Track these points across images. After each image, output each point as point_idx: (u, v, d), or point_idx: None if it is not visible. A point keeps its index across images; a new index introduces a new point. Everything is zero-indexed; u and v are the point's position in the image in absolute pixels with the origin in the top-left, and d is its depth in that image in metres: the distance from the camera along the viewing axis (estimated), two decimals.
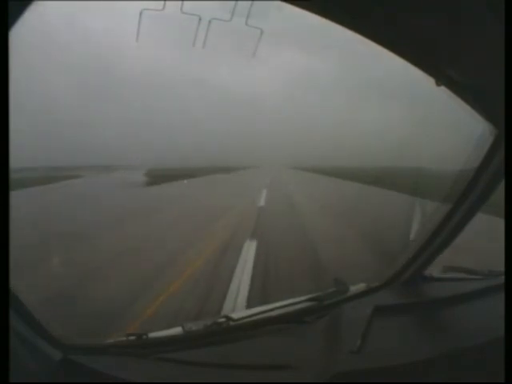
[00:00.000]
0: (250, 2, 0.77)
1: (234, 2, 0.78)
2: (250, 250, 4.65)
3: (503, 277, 1.04)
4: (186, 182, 20.11)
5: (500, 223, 0.79)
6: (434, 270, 1.39)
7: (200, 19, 0.86)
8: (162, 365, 0.88)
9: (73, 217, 7.35)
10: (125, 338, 0.95)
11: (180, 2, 0.78)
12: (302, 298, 1.14)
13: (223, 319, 1.01)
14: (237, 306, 2.66)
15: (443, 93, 0.89)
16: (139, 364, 0.87)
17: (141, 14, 0.88)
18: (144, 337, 0.95)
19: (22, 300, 0.78)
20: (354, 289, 1.28)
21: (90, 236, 5.50)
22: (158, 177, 20.93)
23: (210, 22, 0.87)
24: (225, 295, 2.94)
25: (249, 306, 1.04)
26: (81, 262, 4.00)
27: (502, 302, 0.71)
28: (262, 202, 10.12)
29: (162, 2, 0.78)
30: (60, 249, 4.50)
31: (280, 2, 0.66)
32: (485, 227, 3.21)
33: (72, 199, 11.23)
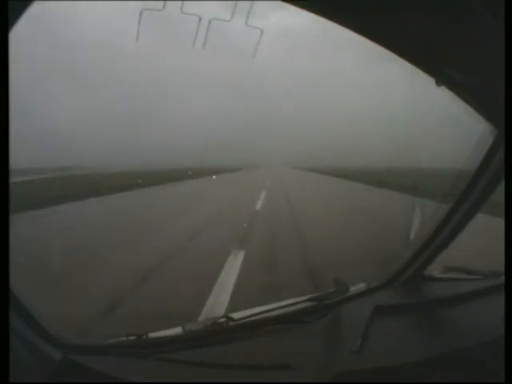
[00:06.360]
0: (250, 2, 0.77)
1: (234, 2, 0.78)
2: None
3: (503, 277, 1.04)
4: None
5: (500, 223, 0.79)
6: (434, 270, 1.39)
7: (200, 19, 0.86)
8: (162, 365, 0.88)
9: None
10: (125, 338, 0.95)
11: (180, 2, 0.78)
12: (302, 298, 1.14)
13: (223, 319, 1.01)
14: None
15: (443, 93, 0.89)
16: (139, 364, 0.87)
17: (141, 14, 0.88)
18: (144, 337, 0.95)
19: (22, 300, 0.79)
20: (354, 289, 1.28)
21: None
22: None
23: (209, 21, 0.87)
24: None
25: (249, 306, 1.04)
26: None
27: (501, 302, 0.71)
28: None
29: (162, 2, 0.79)
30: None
31: (280, 2, 0.67)
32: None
33: None
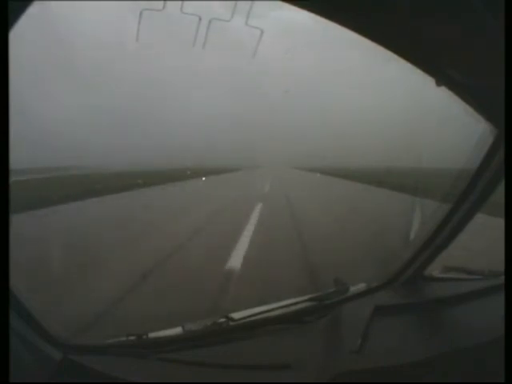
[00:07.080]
0: (250, 2, 0.77)
1: (233, 2, 0.78)
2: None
3: (503, 277, 1.04)
4: None
5: (500, 223, 0.79)
6: (434, 270, 1.39)
7: (200, 19, 0.86)
8: (162, 365, 0.88)
9: None
10: (125, 338, 0.95)
11: (180, 2, 0.78)
12: (302, 298, 1.14)
13: (223, 319, 1.01)
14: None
15: (443, 93, 0.89)
16: (139, 364, 0.87)
17: (141, 14, 0.88)
18: (144, 337, 0.95)
19: (22, 300, 0.79)
20: (354, 289, 1.28)
21: None
22: None
23: (210, 21, 0.87)
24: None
25: (249, 306, 1.04)
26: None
27: (502, 302, 0.71)
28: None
29: (162, 2, 0.79)
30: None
31: (280, 2, 0.67)
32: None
33: None
